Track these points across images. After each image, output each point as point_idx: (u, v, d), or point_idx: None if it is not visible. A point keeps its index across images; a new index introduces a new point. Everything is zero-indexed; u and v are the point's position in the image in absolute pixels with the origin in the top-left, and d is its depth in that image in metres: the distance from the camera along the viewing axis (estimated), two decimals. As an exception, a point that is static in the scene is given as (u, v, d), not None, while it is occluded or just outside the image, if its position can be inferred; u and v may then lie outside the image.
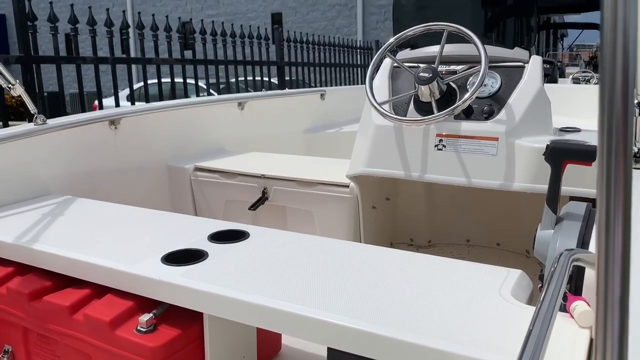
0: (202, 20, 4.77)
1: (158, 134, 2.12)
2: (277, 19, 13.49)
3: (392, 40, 1.65)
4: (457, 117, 1.57)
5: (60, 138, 1.73)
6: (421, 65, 1.61)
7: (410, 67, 1.67)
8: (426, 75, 1.51)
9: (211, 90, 6.04)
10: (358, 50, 7.56)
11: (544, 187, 1.38)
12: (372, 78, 1.64)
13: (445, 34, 1.55)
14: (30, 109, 1.66)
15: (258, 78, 6.17)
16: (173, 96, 3.98)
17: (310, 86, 6.42)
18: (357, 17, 12.39)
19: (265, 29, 5.58)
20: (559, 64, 8.00)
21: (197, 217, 1.41)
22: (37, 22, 3.01)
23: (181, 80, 4.15)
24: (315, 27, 12.77)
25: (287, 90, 3.11)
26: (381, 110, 1.54)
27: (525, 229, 1.97)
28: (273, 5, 13.36)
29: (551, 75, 5.53)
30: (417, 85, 1.54)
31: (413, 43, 1.78)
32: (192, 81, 4.58)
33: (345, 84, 7.07)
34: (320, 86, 6.36)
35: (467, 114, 1.56)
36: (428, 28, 1.57)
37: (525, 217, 1.95)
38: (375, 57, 1.64)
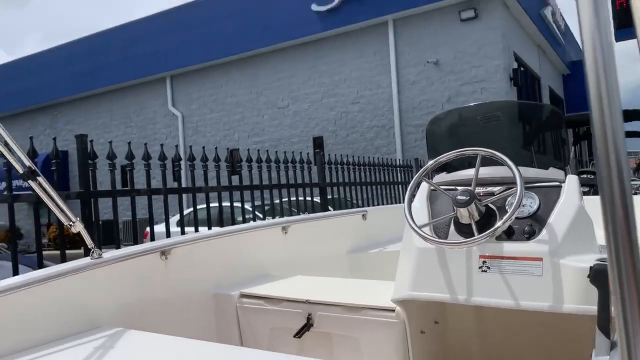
0: (248, 150, 5.05)
1: (205, 262, 2.19)
2: (318, 142, 14.12)
3: (427, 165, 1.71)
4: (499, 238, 1.56)
5: (114, 271, 1.81)
6: (458, 188, 1.65)
7: (447, 189, 1.70)
8: (464, 198, 1.54)
9: (257, 213, 6.23)
10: (398, 169, 7.73)
11: (595, 308, 1.33)
12: (410, 201, 1.68)
13: (479, 158, 1.60)
14: (87, 243, 1.76)
15: (301, 198, 6.36)
16: (221, 220, 4.13)
17: (352, 204, 6.52)
18: (396, 137, 12.84)
19: (307, 154, 5.83)
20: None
21: (241, 348, 1.40)
22: (96, 160, 3.27)
23: (229, 203, 4.33)
24: (355, 148, 13.25)
25: (328, 213, 3.19)
26: (422, 233, 1.57)
27: (581, 353, 1.86)
28: (314, 130, 14.07)
29: (596, 185, 5.45)
30: (455, 208, 1.57)
31: (449, 166, 1.83)
32: (239, 204, 4.79)
33: (387, 201, 7.16)
34: (363, 204, 6.46)
35: (509, 234, 1.56)
36: (462, 153, 1.63)
37: (581, 339, 1.85)
38: (412, 182, 1.70)
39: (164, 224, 3.82)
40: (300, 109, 14.27)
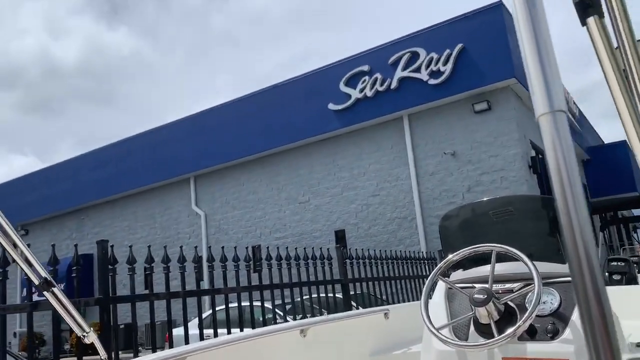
0: (267, 247, 5.05)
1: None
2: (340, 235, 14.08)
3: (440, 265, 1.68)
4: (521, 338, 1.49)
5: None
6: (476, 285, 1.60)
7: (464, 287, 1.66)
8: (481, 296, 1.49)
9: (278, 311, 6.09)
10: (422, 262, 7.60)
11: None
12: (427, 302, 1.63)
13: (494, 254, 1.57)
14: (100, 354, 1.73)
15: (323, 295, 6.23)
16: (241, 322, 4.04)
17: (376, 298, 6.35)
18: (418, 228, 12.75)
19: (327, 249, 5.78)
20: (636, 259, 7.60)
21: None
22: (117, 265, 3.29)
23: (248, 303, 4.27)
24: (378, 241, 13.16)
25: (348, 313, 3.10)
26: (440, 336, 1.51)
27: None
28: (336, 223, 14.09)
29: (629, 273, 5.23)
30: (473, 307, 1.52)
31: (465, 263, 1.80)
32: (259, 303, 4.71)
33: (412, 295, 6.96)
34: (387, 299, 6.29)
35: (531, 334, 1.49)
36: (475, 250, 1.60)
37: None
38: (427, 282, 1.66)
39: (183, 327, 3.74)
40: (321, 203, 14.38)
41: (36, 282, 1.61)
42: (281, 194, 15.03)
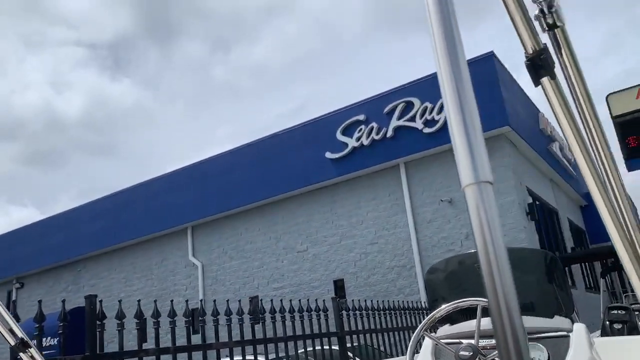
0: (260, 300, 4.96)
1: None
2: (339, 285, 13.89)
3: (423, 322, 1.65)
4: None
5: None
6: (463, 341, 1.56)
7: (451, 343, 1.62)
8: (466, 353, 1.45)
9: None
10: (421, 312, 7.47)
11: None
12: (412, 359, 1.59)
13: (480, 309, 1.54)
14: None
15: (318, 347, 6.08)
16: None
17: (374, 350, 6.20)
18: (417, 277, 12.61)
19: (323, 301, 5.69)
20: (638, 306, 7.46)
21: None
22: (105, 320, 3.22)
23: (249, 356, 4.17)
24: (377, 290, 12.98)
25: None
26: None
27: None
28: (335, 273, 13.93)
29: (630, 321, 5.12)
30: None
31: (453, 316, 1.76)
32: (252, 357, 4.59)
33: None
34: (386, 350, 6.14)
35: None
36: (458, 305, 1.57)
37: None
38: (413, 338, 1.62)
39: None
40: (320, 252, 14.27)
41: (12, 342, 1.57)
42: (279, 243, 14.93)
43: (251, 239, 15.47)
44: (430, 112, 12.46)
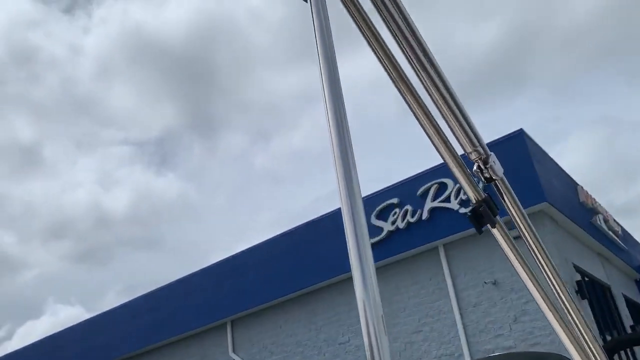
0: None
1: None
2: (385, 377, 13.27)
3: None
4: None
5: None
6: None
7: None
8: None
9: None
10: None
11: None
12: None
13: None
14: None
15: None
16: None
17: None
18: (467, 365, 11.92)
19: (364, 401, 5.39)
20: None
21: None
22: None
23: None
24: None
25: None
26: None
27: None
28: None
29: None
30: None
31: None
32: None
33: None
34: None
35: None
36: None
37: None
38: None
39: None
40: (362, 343, 13.63)
41: None
42: (320, 335, 14.51)
43: (291, 331, 15.11)
44: (465, 192, 12.33)
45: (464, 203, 12.29)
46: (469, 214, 0.93)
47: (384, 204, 13.65)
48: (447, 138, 0.96)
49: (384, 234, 13.41)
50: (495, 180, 0.93)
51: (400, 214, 13.28)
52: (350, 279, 14.08)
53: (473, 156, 0.94)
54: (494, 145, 12.39)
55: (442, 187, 12.80)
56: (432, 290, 12.96)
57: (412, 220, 13.05)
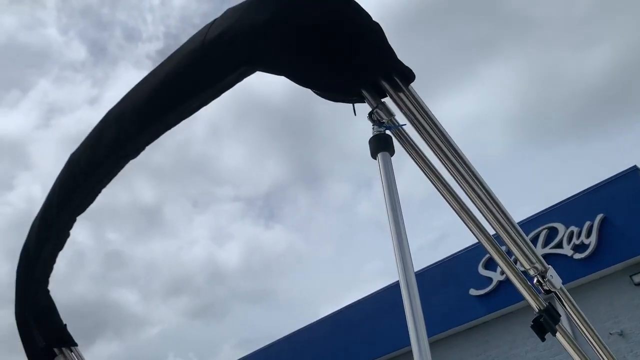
0: None
1: None
2: None
3: None
4: None
5: None
6: None
7: None
8: None
9: None
10: None
11: None
12: None
13: None
14: None
15: None
16: None
17: None
18: None
19: None
20: None
21: None
22: None
23: None
24: None
25: None
26: None
27: None
28: None
29: None
30: None
31: None
32: None
33: None
34: None
35: None
36: None
37: None
38: None
39: None
40: (478, 401, 13.06)
41: None
42: (432, 392, 13.96)
43: (401, 388, 14.69)
44: (578, 237, 11.64)
45: (578, 248, 11.59)
46: (532, 323, 1.05)
47: (491, 252, 13.18)
48: (505, 253, 1.11)
49: (493, 284, 12.89)
50: (554, 291, 1.05)
51: (509, 263, 12.74)
52: (460, 333, 13.59)
53: (532, 272, 1.08)
54: (606, 184, 11.70)
55: (552, 232, 12.18)
56: (552, 343, 12.08)
57: (522, 269, 12.46)
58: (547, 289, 1.02)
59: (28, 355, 1.58)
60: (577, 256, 11.52)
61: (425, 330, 0.79)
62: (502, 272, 12.75)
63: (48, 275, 1.52)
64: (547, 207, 12.70)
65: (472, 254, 13.71)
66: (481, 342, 13.31)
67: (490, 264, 13.13)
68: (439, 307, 13.90)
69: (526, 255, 1.06)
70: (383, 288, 16.08)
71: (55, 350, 1.60)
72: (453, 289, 13.72)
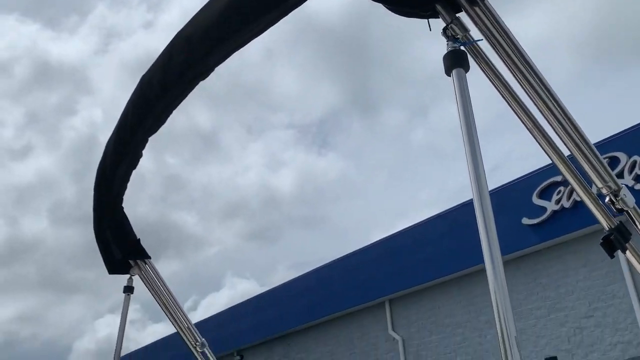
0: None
1: None
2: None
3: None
4: None
5: None
6: None
7: None
8: None
9: None
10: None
11: None
12: None
13: None
14: None
15: None
16: None
17: None
18: (648, 355, 10.90)
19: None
20: None
21: None
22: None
23: None
24: (599, 370, 11.50)
25: None
26: None
27: None
28: (545, 349, 12.75)
29: None
30: None
31: None
32: None
33: None
34: None
35: None
36: None
37: None
38: None
39: None
40: (526, 326, 13.25)
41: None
42: (480, 317, 14.26)
43: (450, 312, 15.06)
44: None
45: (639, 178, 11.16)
46: (602, 240, 1.04)
47: (547, 182, 12.90)
48: (577, 172, 1.09)
49: (547, 214, 12.71)
50: (627, 210, 1.03)
51: (566, 193, 12.44)
52: (511, 261, 13.62)
53: (604, 191, 1.06)
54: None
55: (613, 161, 11.72)
56: (605, 272, 12.01)
57: (579, 199, 12.17)
58: (620, 207, 1.02)
59: (107, 266, 1.73)
60: (638, 187, 11.12)
61: (499, 250, 0.83)
62: (557, 202, 12.52)
63: (123, 193, 1.62)
64: (610, 135, 12.17)
65: (526, 183, 13.47)
66: (532, 269, 13.33)
67: (545, 194, 12.88)
68: (490, 235, 13.89)
69: (599, 174, 1.05)
70: (432, 216, 16.19)
71: (131, 262, 1.75)
72: (505, 218, 13.60)
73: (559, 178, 12.64)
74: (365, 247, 18.25)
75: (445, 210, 15.78)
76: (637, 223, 1.02)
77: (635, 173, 11.24)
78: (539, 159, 14.37)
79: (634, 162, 11.33)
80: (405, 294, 16.25)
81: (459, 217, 15.12)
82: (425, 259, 15.43)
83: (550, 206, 12.67)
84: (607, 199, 1.04)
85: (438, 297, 15.48)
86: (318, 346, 19.29)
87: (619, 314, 11.62)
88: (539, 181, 13.10)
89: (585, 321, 12.17)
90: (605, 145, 12.02)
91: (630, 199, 1.01)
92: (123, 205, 1.70)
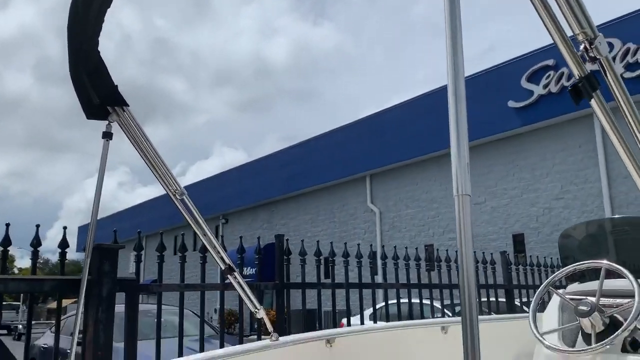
0: (437, 249, 5.25)
1: (366, 353, 2.43)
2: (518, 239, 13.48)
3: (550, 278, 1.78)
4: (624, 350, 1.55)
5: (284, 352, 2.16)
6: (589, 298, 1.68)
7: (574, 299, 1.74)
8: (585, 308, 1.58)
9: (446, 311, 6.25)
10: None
11: None
12: (535, 311, 1.75)
13: (603, 271, 1.63)
14: (268, 328, 2.17)
15: (492, 299, 6.21)
16: (410, 316, 4.36)
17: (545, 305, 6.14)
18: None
19: (507, 254, 5.76)
20: None
21: None
22: (290, 256, 3.82)
23: (426, 301, 4.59)
24: (561, 246, 12.35)
25: (493, 316, 3.19)
26: (543, 341, 1.63)
27: None
28: (514, 227, 13.54)
29: None
30: (578, 317, 1.61)
31: (584, 275, 1.86)
32: (436, 302, 4.97)
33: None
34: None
35: (634, 347, 1.53)
36: (586, 266, 1.68)
37: None
38: (537, 293, 1.78)
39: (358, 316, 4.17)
40: (499, 204, 13.93)
41: (222, 267, 2.10)
42: (456, 193, 14.86)
43: (427, 188, 15.66)
44: (634, 54, 11.10)
45: (630, 66, 11.13)
46: (569, 87, 1.08)
47: (538, 65, 12.80)
48: (556, 18, 1.08)
49: (533, 97, 12.78)
50: (599, 59, 1.05)
51: (555, 77, 12.43)
52: (492, 143, 13.91)
53: (580, 37, 1.06)
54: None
55: (608, 46, 11.59)
56: (581, 158, 12.42)
57: (567, 84, 12.19)
58: (593, 55, 1.04)
59: (85, 110, 1.71)
60: (628, 75, 11.12)
61: (466, 134, 0.88)
62: (545, 86, 12.55)
63: (98, 34, 1.53)
64: (604, 22, 11.89)
65: (517, 65, 13.35)
66: (511, 152, 13.69)
67: (534, 77, 12.86)
68: (475, 116, 14.04)
69: (578, 20, 1.04)
70: (418, 95, 16.16)
71: (109, 108, 1.74)
72: (492, 100, 13.67)
73: (551, 62, 12.55)
74: (351, 122, 18.39)
75: (432, 90, 15.73)
76: (608, 72, 1.06)
77: (627, 61, 11.18)
78: (533, 42, 14.05)
79: (627, 49, 11.22)
80: (387, 169, 16.74)
81: (445, 97, 15.10)
82: (409, 137, 15.68)
83: (538, 90, 12.71)
84: (582, 47, 1.06)
85: (417, 175, 15.99)
86: (299, 214, 20.18)
87: (588, 197, 12.22)
88: (530, 64, 12.99)
89: (555, 202, 12.81)
90: (600, 30, 11.78)
91: (604, 48, 1.04)
92: (99, 49, 1.62)
